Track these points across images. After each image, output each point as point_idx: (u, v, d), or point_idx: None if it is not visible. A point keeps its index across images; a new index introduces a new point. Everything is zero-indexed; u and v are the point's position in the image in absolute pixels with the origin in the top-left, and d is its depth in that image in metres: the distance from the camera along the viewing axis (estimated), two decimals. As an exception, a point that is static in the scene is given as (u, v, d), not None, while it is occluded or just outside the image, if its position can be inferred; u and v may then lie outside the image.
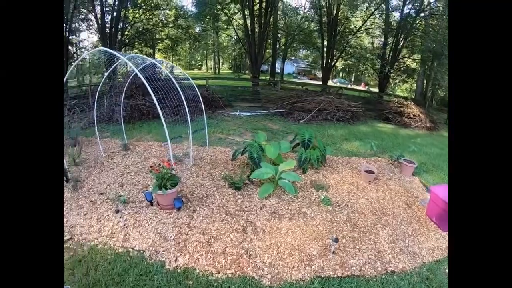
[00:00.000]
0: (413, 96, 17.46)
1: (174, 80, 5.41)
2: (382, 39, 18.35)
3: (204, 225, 3.77)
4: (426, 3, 15.49)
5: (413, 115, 11.83)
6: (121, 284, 2.83)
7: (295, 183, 4.91)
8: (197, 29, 25.50)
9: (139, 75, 4.34)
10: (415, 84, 19.91)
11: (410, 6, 15.67)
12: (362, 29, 18.61)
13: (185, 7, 22.06)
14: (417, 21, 15.49)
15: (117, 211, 3.96)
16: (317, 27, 18.82)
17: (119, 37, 17.90)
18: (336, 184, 5.18)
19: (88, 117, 8.75)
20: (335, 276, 3.11)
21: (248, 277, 3.01)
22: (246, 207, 4.26)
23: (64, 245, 3.35)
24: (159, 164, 4.08)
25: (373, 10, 17.73)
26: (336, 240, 3.39)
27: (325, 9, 17.36)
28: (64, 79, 5.35)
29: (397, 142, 8.51)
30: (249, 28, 16.16)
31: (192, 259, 3.19)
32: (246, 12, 16.24)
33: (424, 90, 18.52)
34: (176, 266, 3.09)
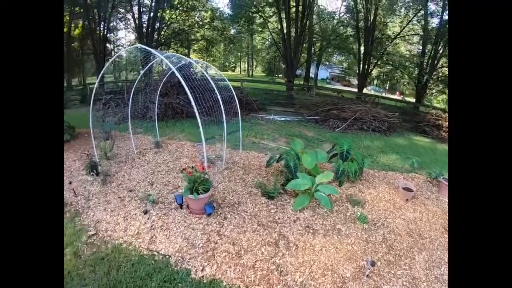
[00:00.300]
0: (450, 108, 16.49)
1: (210, 80, 5.33)
2: (420, 47, 17.49)
3: (234, 235, 3.59)
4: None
5: (452, 129, 11.07)
6: (143, 289, 2.72)
7: (331, 196, 4.63)
8: (232, 31, 25.69)
9: (176, 73, 4.26)
10: (453, 96, 18.80)
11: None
12: (400, 35, 17.88)
13: (220, 9, 22.31)
14: (457, 28, 14.59)
15: (145, 212, 3.88)
16: (353, 32, 18.31)
17: (156, 36, 18.40)
18: (372, 200, 4.84)
19: (122, 112, 8.96)
20: (368, 302, 2.85)
21: (278, 296, 2.80)
22: (279, 218, 4.04)
23: (88, 241, 3.33)
24: (192, 167, 3.96)
25: (411, 16, 16.99)
26: (372, 263, 3.11)
27: (362, 14, 16.86)
28: (100, 74, 5.44)
29: (434, 158, 7.93)
30: (285, 31, 16.00)
31: (219, 270, 3.02)
32: (282, 15, 16.10)
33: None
34: (203, 276, 2.93)
